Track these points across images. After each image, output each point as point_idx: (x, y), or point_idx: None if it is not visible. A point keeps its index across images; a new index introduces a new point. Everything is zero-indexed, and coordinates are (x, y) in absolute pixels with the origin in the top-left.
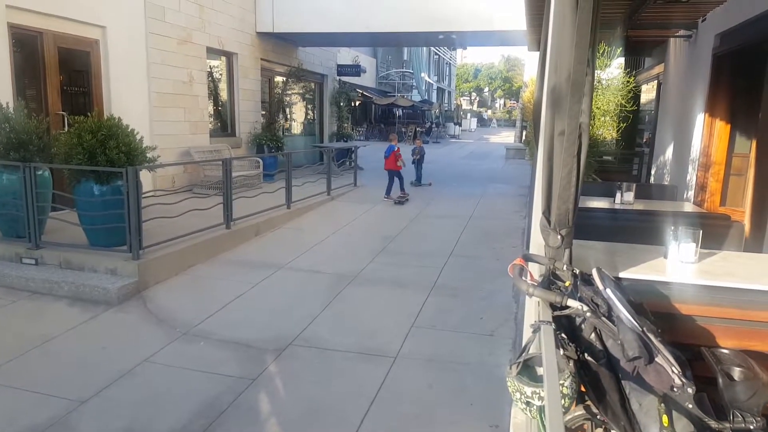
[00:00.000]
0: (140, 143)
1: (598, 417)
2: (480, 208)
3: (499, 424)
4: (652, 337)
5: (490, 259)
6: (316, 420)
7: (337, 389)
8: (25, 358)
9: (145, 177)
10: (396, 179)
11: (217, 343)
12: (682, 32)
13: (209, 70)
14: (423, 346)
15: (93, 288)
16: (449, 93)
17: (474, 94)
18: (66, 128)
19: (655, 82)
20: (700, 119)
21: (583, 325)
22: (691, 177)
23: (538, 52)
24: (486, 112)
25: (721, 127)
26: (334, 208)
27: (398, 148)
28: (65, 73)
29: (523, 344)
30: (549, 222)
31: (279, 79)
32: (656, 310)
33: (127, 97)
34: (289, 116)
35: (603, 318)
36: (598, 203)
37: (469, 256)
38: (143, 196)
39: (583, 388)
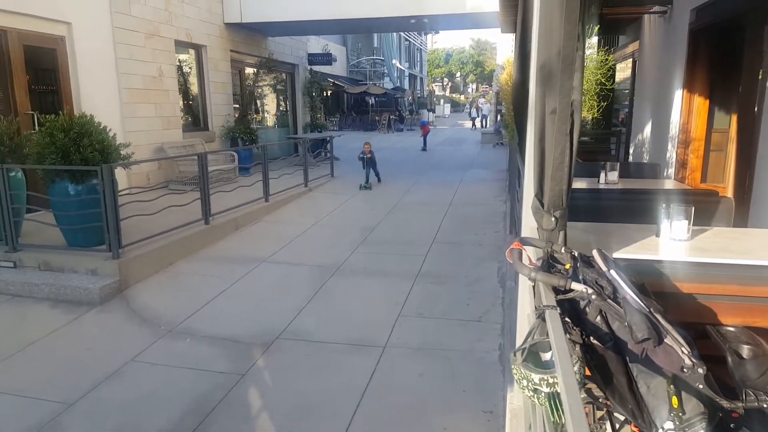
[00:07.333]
0: (113, 140)
1: (600, 400)
2: (459, 194)
3: (493, 409)
4: (659, 317)
5: (473, 245)
6: (309, 414)
7: (327, 382)
8: (10, 362)
9: (120, 174)
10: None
11: (203, 339)
12: (656, 8)
13: (179, 63)
14: (411, 334)
15: (74, 289)
16: (421, 79)
17: (446, 79)
18: (36, 128)
19: (630, 60)
20: (678, 96)
21: (587, 308)
22: (671, 154)
23: (511, 34)
24: (480, 99)
25: (700, 103)
26: (312, 199)
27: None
28: (32, 72)
29: (528, 330)
30: (542, 204)
31: (250, 70)
32: (656, 290)
33: (97, 94)
34: (261, 108)
35: (609, 300)
36: (582, 183)
37: (452, 243)
38: (119, 194)
39: (587, 372)
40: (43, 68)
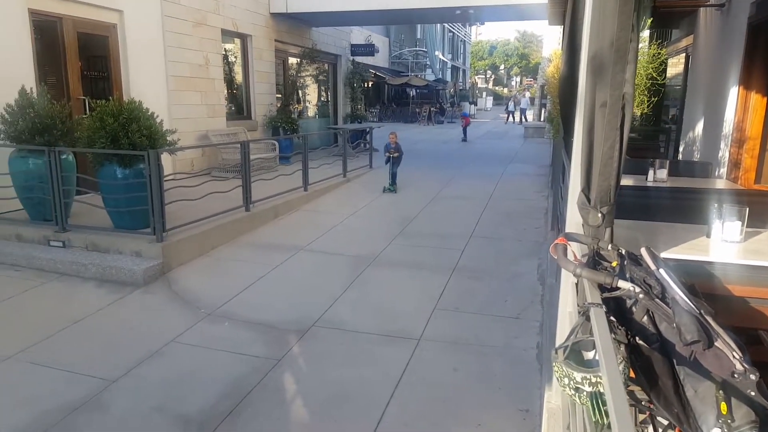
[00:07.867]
0: (160, 126)
1: (643, 403)
2: (500, 188)
3: (529, 408)
4: (710, 320)
5: (512, 241)
6: (343, 402)
7: (361, 371)
8: (57, 338)
9: (165, 160)
10: (465, 129)
11: (241, 323)
12: (713, 1)
13: (224, 52)
14: (446, 328)
15: (119, 270)
16: (464, 71)
17: (489, 72)
18: (87, 112)
19: (683, 55)
20: (734, 93)
21: (634, 308)
22: (723, 153)
23: (558, 27)
24: (524, 91)
25: (757, 101)
26: (350, 189)
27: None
28: (85, 58)
29: (571, 328)
30: (589, 200)
31: (293, 60)
32: (706, 292)
33: (145, 81)
34: (303, 98)
35: (657, 300)
36: (629, 181)
37: (491, 238)
38: (164, 179)
39: (632, 374)
40: (95, 55)
